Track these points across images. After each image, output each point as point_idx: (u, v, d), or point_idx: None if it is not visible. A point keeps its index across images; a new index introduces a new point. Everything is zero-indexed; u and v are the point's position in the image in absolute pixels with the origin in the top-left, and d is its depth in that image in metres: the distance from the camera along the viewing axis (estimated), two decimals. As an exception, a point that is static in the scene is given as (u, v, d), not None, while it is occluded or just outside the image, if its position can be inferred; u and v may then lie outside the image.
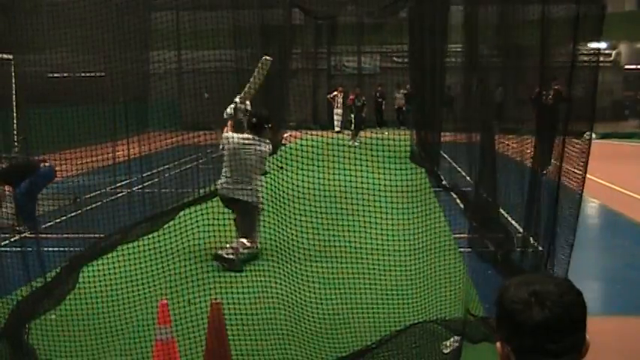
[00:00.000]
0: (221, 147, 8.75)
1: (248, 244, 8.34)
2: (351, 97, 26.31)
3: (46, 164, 10.07)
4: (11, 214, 10.05)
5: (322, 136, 7.13)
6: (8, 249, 7.58)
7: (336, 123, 28.02)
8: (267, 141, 8.70)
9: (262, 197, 8.26)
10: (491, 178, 8.88)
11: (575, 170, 5.50)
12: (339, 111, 28.48)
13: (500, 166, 8.80)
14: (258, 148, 8.48)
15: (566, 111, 5.80)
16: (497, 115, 11.32)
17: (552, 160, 6.25)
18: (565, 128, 5.72)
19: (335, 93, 28.86)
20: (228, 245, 8.11)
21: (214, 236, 7.04)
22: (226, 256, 8.08)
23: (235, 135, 8.69)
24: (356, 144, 20.76)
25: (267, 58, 9.10)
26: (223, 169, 8.65)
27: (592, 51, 5.69)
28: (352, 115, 24.54)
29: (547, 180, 6.33)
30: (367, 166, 6.74)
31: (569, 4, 6.00)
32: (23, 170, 10.12)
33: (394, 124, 28.94)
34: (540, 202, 6.44)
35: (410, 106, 26.08)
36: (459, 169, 13.26)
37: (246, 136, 8.67)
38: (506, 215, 8.69)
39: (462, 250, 8.56)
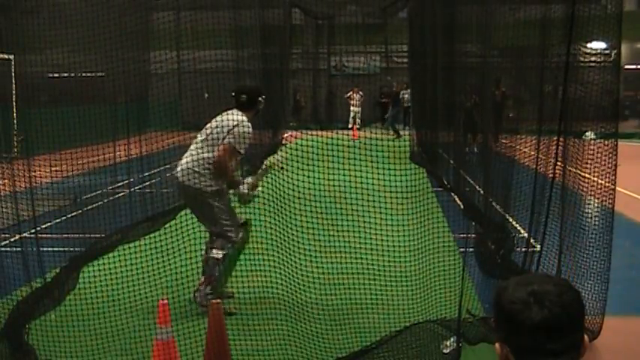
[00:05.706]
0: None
1: (219, 255, 6.59)
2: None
3: None
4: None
5: (322, 136, 7.11)
6: (8, 249, 7.58)
7: (350, 120, 29.29)
8: (241, 120, 6.60)
9: (207, 180, 6.46)
10: (487, 178, 8.92)
11: (586, 174, 5.51)
12: (356, 109, 30.08)
13: (495, 165, 8.82)
14: (220, 122, 6.70)
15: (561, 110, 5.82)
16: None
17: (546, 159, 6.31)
18: (558, 126, 5.75)
19: (350, 93, 30.31)
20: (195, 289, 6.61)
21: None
22: (201, 299, 6.49)
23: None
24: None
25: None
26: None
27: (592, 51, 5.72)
28: None
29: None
30: (367, 166, 6.74)
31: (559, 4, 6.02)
32: None
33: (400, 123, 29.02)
34: (538, 201, 6.45)
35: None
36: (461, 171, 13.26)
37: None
38: (501, 212, 8.69)
39: (462, 249, 8.55)
